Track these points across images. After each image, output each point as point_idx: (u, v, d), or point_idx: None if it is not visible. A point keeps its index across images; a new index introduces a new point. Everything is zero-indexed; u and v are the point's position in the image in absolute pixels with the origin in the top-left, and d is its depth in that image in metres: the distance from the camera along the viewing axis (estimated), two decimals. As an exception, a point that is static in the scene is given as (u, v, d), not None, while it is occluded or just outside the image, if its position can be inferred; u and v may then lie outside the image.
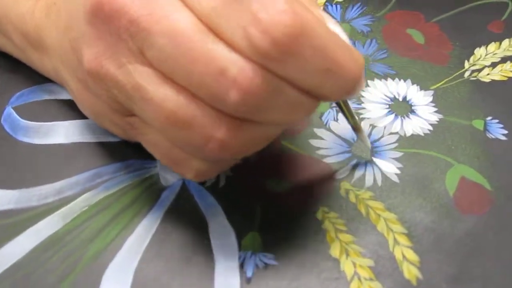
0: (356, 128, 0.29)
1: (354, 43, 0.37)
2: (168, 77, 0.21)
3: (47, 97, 0.35)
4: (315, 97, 0.21)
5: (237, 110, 0.20)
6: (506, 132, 0.32)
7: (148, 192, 0.30)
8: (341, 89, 0.21)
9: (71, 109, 0.33)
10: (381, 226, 0.28)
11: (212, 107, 0.21)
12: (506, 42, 0.37)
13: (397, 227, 0.28)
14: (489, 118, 0.33)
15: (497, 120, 0.32)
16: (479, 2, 0.40)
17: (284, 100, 0.20)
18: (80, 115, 0.32)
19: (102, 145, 0.32)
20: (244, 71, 0.19)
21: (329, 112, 0.33)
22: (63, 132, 0.33)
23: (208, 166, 0.25)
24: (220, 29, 0.20)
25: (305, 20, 0.19)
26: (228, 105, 0.20)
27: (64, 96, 0.34)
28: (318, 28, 0.19)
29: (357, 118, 0.29)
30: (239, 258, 0.27)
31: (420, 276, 0.26)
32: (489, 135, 0.32)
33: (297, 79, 0.20)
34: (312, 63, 0.19)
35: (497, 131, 0.32)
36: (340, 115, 0.33)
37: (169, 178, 0.30)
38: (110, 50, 0.22)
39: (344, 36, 0.22)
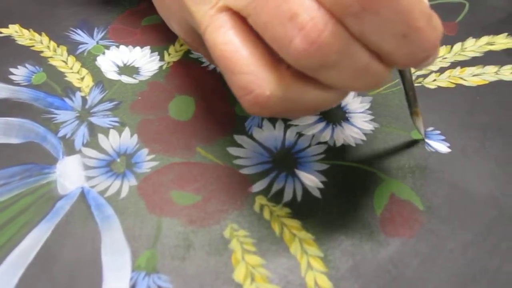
0: (412, 107, 0.27)
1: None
2: (243, 16, 0.20)
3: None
4: (386, 64, 0.20)
5: (297, 61, 0.19)
6: (448, 144, 0.29)
7: (42, 201, 0.27)
8: (414, 57, 0.20)
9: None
10: (294, 248, 0.25)
11: (271, 57, 0.20)
12: (458, 46, 0.34)
13: (313, 250, 0.25)
14: (431, 129, 0.29)
15: (438, 131, 0.29)
16: (434, 2, 0.37)
17: (351, 62, 0.19)
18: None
19: (1, 146, 0.29)
20: (315, 20, 0.18)
21: (254, 118, 0.30)
22: (-41, 131, 0.30)
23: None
24: None
25: None
26: (289, 54, 0.19)
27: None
28: None
29: (416, 97, 0.26)
30: (131, 279, 0.24)
31: (329, 307, 0.23)
32: (428, 148, 0.28)
33: (371, 41, 0.19)
34: (391, 25, 0.18)
35: (438, 144, 0.28)
36: (266, 122, 0.29)
37: (67, 185, 0.27)
38: None
39: (426, 2, 0.20)
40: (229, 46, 0.20)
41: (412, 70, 0.32)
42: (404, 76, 0.26)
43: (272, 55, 0.20)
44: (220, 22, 0.21)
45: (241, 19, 0.21)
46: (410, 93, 0.26)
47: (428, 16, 0.19)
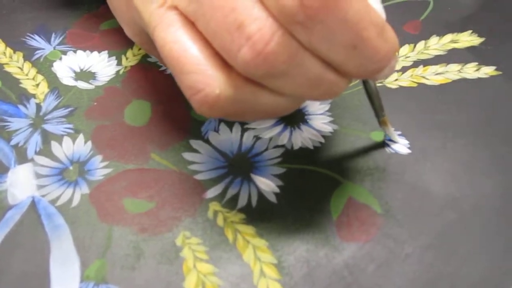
0: (379, 117, 0.26)
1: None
2: (191, 21, 0.20)
3: None
4: (340, 74, 0.20)
5: (245, 70, 0.18)
6: (408, 145, 0.28)
7: (-9, 212, 0.26)
8: (366, 69, 0.19)
9: None
10: (248, 255, 0.24)
11: (222, 57, 0.19)
12: (421, 44, 0.34)
13: (266, 257, 0.24)
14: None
15: (399, 132, 0.28)
16: (399, 0, 0.36)
17: (302, 72, 0.19)
18: None
19: (-48, 156, 0.28)
20: (262, 30, 0.18)
21: (210, 121, 0.29)
22: None
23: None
24: None
25: None
26: (237, 63, 0.18)
27: None
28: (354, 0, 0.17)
29: (382, 106, 0.26)
30: (79, 290, 0.23)
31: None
32: (388, 149, 0.28)
33: (321, 51, 0.18)
34: (339, 36, 0.18)
35: (398, 144, 0.28)
36: (223, 126, 0.29)
37: (18, 195, 0.26)
38: None
39: (381, 13, 0.20)
40: (178, 45, 0.20)
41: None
42: (367, 84, 0.25)
43: None
44: (169, 21, 0.20)
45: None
46: (376, 102, 0.26)
47: (379, 27, 0.19)
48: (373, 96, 0.25)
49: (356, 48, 0.18)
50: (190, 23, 0.20)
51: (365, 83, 0.25)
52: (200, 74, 0.19)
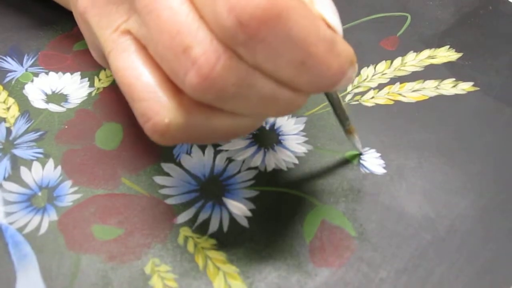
0: (345, 126, 0.26)
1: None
2: (144, 45, 0.19)
3: None
4: (295, 90, 0.19)
5: (193, 94, 0.18)
6: (384, 165, 0.27)
7: (-42, 241, 0.25)
8: (318, 84, 0.19)
9: None
10: (218, 283, 0.24)
11: (174, 83, 0.19)
12: (398, 61, 0.33)
13: (237, 284, 0.24)
14: (366, 149, 0.28)
15: (374, 151, 0.28)
16: (374, 16, 0.36)
17: (254, 92, 0.18)
18: None
19: None
20: (207, 54, 0.17)
21: (183, 144, 0.28)
22: None
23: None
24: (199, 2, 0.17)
25: (281, 3, 0.16)
26: (185, 87, 0.18)
27: None
28: (296, 14, 0.17)
29: (348, 115, 0.26)
30: (44, 322, 0.22)
31: None
32: (363, 170, 0.27)
33: (268, 70, 0.18)
34: (283, 54, 0.17)
35: (373, 164, 0.27)
36: (195, 148, 0.28)
37: (-15, 223, 0.26)
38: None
39: (334, 22, 0.19)
40: (130, 71, 0.19)
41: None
42: (328, 94, 0.25)
43: None
44: (123, 47, 0.20)
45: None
46: (338, 112, 0.25)
47: (328, 42, 0.18)
48: (335, 105, 0.25)
49: (305, 65, 0.18)
50: (143, 48, 0.20)
51: (326, 93, 0.24)
52: (150, 102, 0.19)
